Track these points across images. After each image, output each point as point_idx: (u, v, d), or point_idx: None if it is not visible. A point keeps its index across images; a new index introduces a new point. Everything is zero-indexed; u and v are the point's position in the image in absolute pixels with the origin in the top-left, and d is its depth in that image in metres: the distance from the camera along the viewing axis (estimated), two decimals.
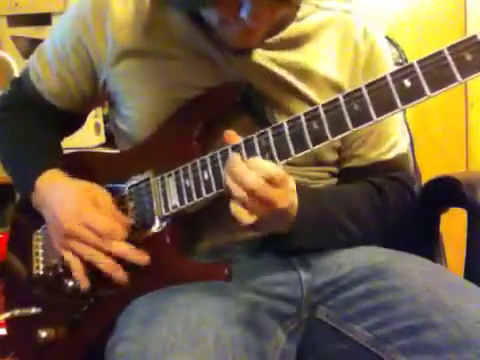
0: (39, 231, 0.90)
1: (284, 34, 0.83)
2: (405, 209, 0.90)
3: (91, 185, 0.84)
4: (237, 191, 0.67)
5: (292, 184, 0.71)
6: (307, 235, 0.78)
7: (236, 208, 0.68)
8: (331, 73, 0.84)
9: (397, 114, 0.90)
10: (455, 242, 1.10)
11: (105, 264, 0.79)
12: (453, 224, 1.16)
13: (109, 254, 0.79)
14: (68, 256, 0.81)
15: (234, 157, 0.70)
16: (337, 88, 0.83)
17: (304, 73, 0.83)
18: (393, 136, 0.90)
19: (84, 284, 0.81)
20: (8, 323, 0.92)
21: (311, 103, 0.82)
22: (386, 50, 0.91)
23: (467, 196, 0.96)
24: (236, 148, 0.73)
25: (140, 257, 0.79)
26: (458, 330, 0.66)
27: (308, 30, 0.85)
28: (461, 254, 0.98)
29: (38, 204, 0.87)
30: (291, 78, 0.83)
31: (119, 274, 0.79)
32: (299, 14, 0.84)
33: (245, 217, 0.67)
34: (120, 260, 0.80)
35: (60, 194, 0.83)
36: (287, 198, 0.70)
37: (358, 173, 0.88)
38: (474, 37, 0.60)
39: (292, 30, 0.84)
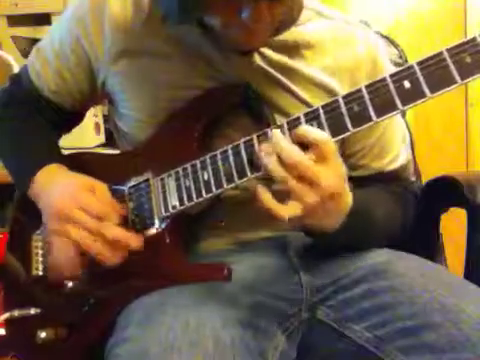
0: (38, 232, 0.90)
1: (284, 37, 0.83)
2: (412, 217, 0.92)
3: (89, 177, 0.84)
4: (275, 169, 0.65)
5: (340, 164, 0.68)
6: (347, 234, 0.74)
7: (268, 201, 0.65)
8: (330, 83, 0.84)
9: (398, 128, 0.92)
10: (455, 242, 1.10)
11: (93, 246, 0.77)
12: (453, 224, 1.16)
13: (103, 238, 0.77)
14: (57, 240, 0.80)
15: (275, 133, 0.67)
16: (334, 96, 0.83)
17: (302, 78, 0.84)
18: (395, 149, 0.91)
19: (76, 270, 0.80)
20: (7, 324, 0.92)
21: (309, 106, 0.81)
22: (388, 63, 0.91)
23: (467, 196, 0.96)
24: (235, 148, 0.73)
25: (134, 240, 0.78)
26: (458, 330, 0.66)
27: (308, 37, 0.85)
28: (461, 254, 0.98)
29: (35, 196, 0.86)
30: (288, 82, 0.83)
31: (107, 258, 0.77)
32: (300, 19, 0.84)
33: (281, 210, 0.65)
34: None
35: (58, 184, 0.83)
36: (334, 178, 0.66)
37: (364, 182, 0.87)
38: (474, 39, 0.60)
39: (292, 34, 0.84)
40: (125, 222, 0.82)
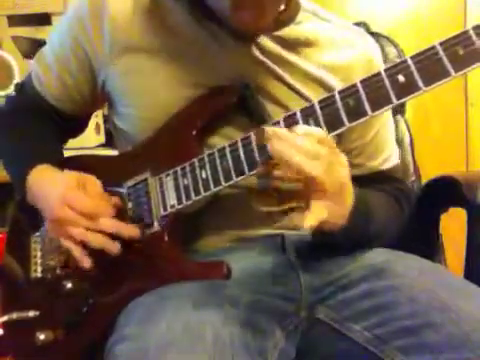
0: (37, 234, 0.90)
1: (283, 33, 0.84)
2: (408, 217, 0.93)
3: (80, 174, 0.84)
4: (305, 163, 0.64)
5: (342, 156, 0.69)
6: (350, 233, 0.74)
7: (292, 215, 0.66)
8: (327, 79, 0.85)
9: (391, 128, 0.93)
10: (455, 242, 1.10)
11: (95, 240, 0.79)
12: (453, 224, 1.16)
13: (99, 232, 0.79)
14: (66, 242, 0.81)
15: (278, 131, 0.66)
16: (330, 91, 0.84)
17: (299, 72, 0.84)
18: (389, 148, 0.92)
19: (85, 263, 0.80)
20: (6, 326, 0.92)
21: (306, 99, 0.82)
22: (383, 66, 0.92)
23: (467, 196, 0.96)
24: (233, 146, 0.73)
25: (128, 230, 0.79)
26: (457, 330, 0.65)
27: (306, 34, 0.85)
28: (461, 254, 0.99)
29: (33, 200, 0.87)
30: (286, 74, 0.83)
31: (111, 246, 0.79)
32: (297, 18, 0.85)
33: (306, 220, 0.65)
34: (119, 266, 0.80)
35: (49, 185, 0.83)
36: (341, 169, 0.67)
37: (358, 181, 0.87)
38: (466, 32, 0.61)
39: (291, 31, 0.84)
40: (120, 213, 0.82)
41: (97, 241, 0.79)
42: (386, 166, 0.91)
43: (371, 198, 0.81)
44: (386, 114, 0.91)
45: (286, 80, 0.83)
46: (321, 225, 0.69)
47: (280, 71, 0.83)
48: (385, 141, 0.91)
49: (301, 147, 0.64)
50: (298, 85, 0.84)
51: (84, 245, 0.80)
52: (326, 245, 0.80)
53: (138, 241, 0.80)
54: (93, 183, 0.83)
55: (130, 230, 0.80)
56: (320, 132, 0.67)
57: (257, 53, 0.83)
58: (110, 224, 0.79)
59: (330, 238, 0.74)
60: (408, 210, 0.92)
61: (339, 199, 0.68)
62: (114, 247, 0.79)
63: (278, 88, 0.83)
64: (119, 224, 0.80)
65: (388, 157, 0.92)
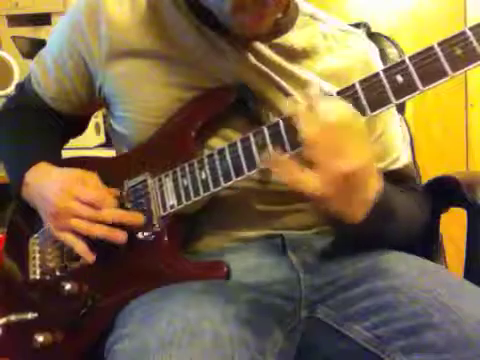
0: (36, 235, 0.90)
1: (281, 40, 0.84)
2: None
3: (77, 169, 0.85)
4: (312, 128, 0.63)
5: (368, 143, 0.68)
6: (368, 228, 0.72)
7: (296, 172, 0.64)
8: (325, 87, 0.84)
9: (397, 129, 0.93)
10: (455, 242, 1.10)
11: (102, 231, 0.79)
12: (453, 224, 1.16)
13: (105, 222, 0.79)
14: (67, 236, 0.81)
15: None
16: None
17: (297, 81, 0.84)
18: (396, 150, 0.91)
19: (90, 257, 0.81)
20: (4, 328, 0.92)
21: None
22: (381, 65, 0.91)
23: (467, 196, 0.96)
24: (232, 147, 0.73)
25: (133, 218, 0.80)
26: (458, 330, 0.65)
27: (304, 43, 0.86)
28: (461, 254, 0.98)
29: (29, 197, 0.87)
30: (284, 83, 0.83)
31: (119, 236, 0.79)
32: (296, 24, 0.86)
33: (312, 184, 0.64)
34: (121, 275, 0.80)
35: (49, 182, 0.84)
36: (362, 152, 0.65)
37: None
38: (463, 32, 0.62)
39: (289, 38, 0.85)
40: (121, 205, 0.83)
41: (102, 231, 0.79)
42: (396, 166, 0.90)
43: (395, 198, 0.78)
44: (390, 115, 0.91)
45: (282, 86, 0.83)
46: (339, 215, 0.69)
47: (276, 77, 0.83)
48: (392, 144, 0.91)
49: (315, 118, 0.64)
50: (294, 92, 0.83)
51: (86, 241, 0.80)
52: (348, 240, 0.79)
53: (139, 240, 0.80)
54: (92, 177, 0.84)
55: (133, 217, 0.80)
56: (343, 115, 0.65)
57: (252, 59, 0.83)
58: (113, 214, 0.80)
59: (348, 229, 0.72)
60: (428, 210, 0.90)
61: (354, 186, 0.66)
62: (120, 236, 0.79)
63: (274, 94, 0.83)
64: (122, 212, 0.81)
65: (397, 158, 0.90)
